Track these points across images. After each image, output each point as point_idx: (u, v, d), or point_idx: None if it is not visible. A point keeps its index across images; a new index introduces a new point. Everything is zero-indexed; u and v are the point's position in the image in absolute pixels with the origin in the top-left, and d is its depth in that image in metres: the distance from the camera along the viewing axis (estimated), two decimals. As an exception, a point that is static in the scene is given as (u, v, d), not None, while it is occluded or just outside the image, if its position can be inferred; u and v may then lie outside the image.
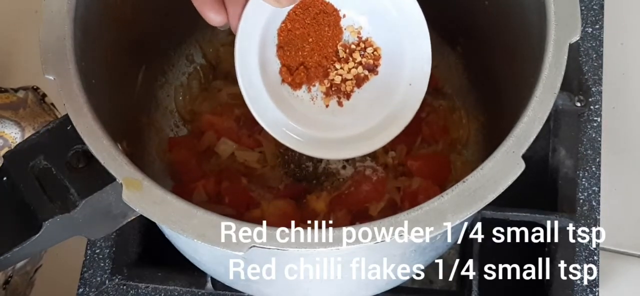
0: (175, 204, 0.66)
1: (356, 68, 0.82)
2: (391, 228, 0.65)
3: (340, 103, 0.83)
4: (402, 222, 0.65)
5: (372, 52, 0.83)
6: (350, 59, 0.82)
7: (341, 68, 0.82)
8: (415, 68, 0.82)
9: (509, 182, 0.67)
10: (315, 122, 0.83)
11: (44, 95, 1.11)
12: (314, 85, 0.83)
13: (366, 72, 0.83)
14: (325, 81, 0.82)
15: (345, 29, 0.82)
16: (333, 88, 0.83)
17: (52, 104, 1.11)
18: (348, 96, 0.83)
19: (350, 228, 0.65)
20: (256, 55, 0.80)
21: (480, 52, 0.99)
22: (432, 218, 0.66)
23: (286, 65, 0.82)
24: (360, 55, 0.82)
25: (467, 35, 1.01)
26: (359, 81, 0.83)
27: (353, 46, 0.82)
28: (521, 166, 0.67)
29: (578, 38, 0.73)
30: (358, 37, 0.82)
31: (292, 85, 0.82)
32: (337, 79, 0.82)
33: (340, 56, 0.82)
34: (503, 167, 0.67)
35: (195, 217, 0.66)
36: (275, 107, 0.81)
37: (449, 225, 0.66)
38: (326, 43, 0.81)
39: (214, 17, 0.74)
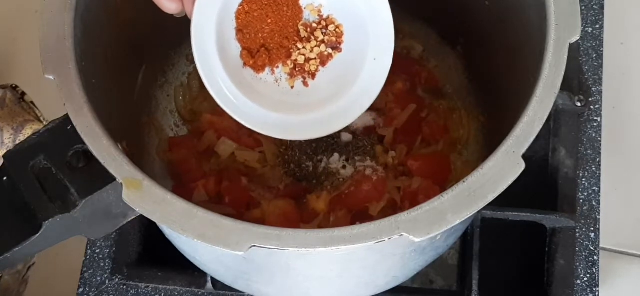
0: (175, 204, 0.67)
1: (319, 46, 0.82)
2: (391, 228, 0.65)
3: (305, 84, 0.83)
4: (402, 222, 0.65)
5: (334, 30, 0.82)
6: (312, 37, 0.82)
7: (304, 48, 0.82)
8: (379, 42, 0.81)
9: (509, 182, 0.67)
10: (281, 104, 0.82)
11: (23, 94, 1.10)
12: (277, 67, 0.82)
13: (330, 50, 0.82)
14: (289, 62, 0.82)
15: (304, 8, 0.81)
16: (297, 69, 0.82)
17: (32, 102, 1.10)
18: (313, 76, 0.83)
19: (350, 228, 0.65)
20: (214, 40, 0.79)
21: (480, 52, 0.99)
22: (432, 218, 0.66)
23: (247, 48, 0.81)
24: (322, 33, 0.82)
25: (468, 35, 1.01)
26: (323, 60, 0.83)
27: (314, 25, 0.82)
28: (521, 166, 0.67)
29: (578, 38, 0.73)
30: (319, 15, 0.82)
31: (255, 68, 0.82)
32: (301, 59, 0.82)
33: (302, 36, 0.81)
34: (503, 167, 0.67)
35: (195, 216, 0.66)
36: (238, 92, 0.81)
37: (449, 225, 0.66)
38: (286, 23, 0.81)
39: (168, 5, 0.74)
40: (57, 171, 0.71)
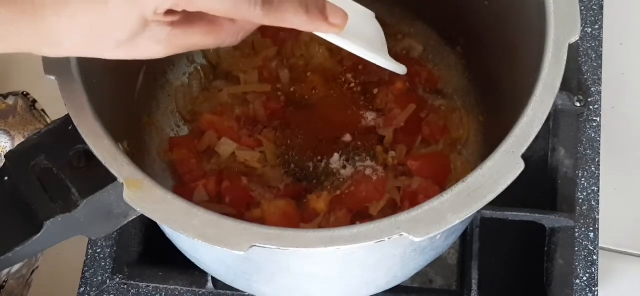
0: (176, 204, 0.67)
1: None
2: (391, 228, 0.65)
3: None
4: (402, 221, 0.65)
5: None
6: None
7: None
8: None
9: (509, 182, 0.67)
10: None
11: (35, 102, 1.10)
12: None
13: None
14: None
15: None
16: None
17: (43, 110, 1.10)
18: None
19: (350, 228, 0.65)
20: None
21: (480, 52, 0.99)
22: (432, 218, 0.66)
23: None
24: None
25: (468, 36, 1.02)
26: None
27: None
28: (521, 166, 0.67)
29: (577, 38, 0.73)
30: None
31: None
32: None
33: None
34: (503, 167, 0.67)
35: (196, 216, 0.66)
36: None
37: (448, 225, 0.66)
38: None
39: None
40: (58, 171, 0.71)
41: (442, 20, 1.04)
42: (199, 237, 0.65)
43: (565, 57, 0.72)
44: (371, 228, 0.65)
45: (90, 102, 0.71)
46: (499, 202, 0.67)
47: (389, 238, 0.65)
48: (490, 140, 0.95)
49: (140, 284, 0.99)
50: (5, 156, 0.72)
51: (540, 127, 0.69)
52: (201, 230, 0.65)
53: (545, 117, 0.70)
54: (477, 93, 1.03)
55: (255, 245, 0.64)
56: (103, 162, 0.68)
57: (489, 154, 0.68)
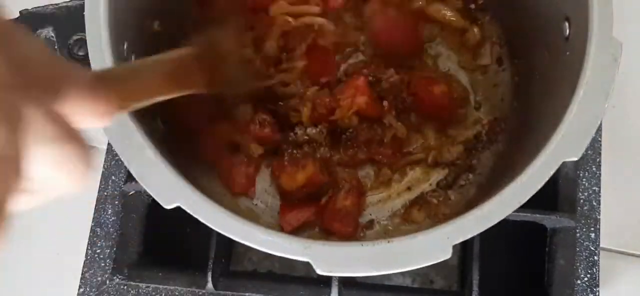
0: (135, 137, 0.70)
1: None
2: (300, 250, 0.68)
3: None
4: (311, 249, 0.69)
5: None
6: None
7: None
8: None
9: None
10: None
11: None
12: None
13: None
14: None
15: None
16: None
17: None
18: None
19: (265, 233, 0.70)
20: None
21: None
22: (341, 259, 0.69)
23: None
24: None
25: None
26: None
27: None
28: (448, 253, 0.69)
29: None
30: None
31: None
32: None
33: None
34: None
35: (144, 155, 0.69)
36: None
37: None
38: None
39: None
40: (59, 48, 0.72)
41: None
42: (136, 174, 0.67)
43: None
44: (283, 241, 0.69)
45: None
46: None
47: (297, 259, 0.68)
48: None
49: (140, 284, 0.99)
50: (19, 11, 0.73)
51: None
52: (142, 170, 0.68)
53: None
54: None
55: (180, 206, 0.66)
56: (89, 48, 0.69)
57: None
